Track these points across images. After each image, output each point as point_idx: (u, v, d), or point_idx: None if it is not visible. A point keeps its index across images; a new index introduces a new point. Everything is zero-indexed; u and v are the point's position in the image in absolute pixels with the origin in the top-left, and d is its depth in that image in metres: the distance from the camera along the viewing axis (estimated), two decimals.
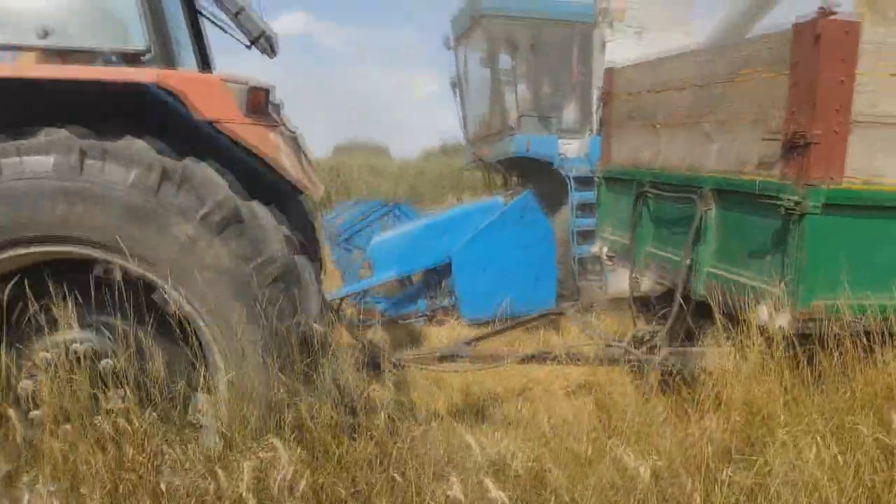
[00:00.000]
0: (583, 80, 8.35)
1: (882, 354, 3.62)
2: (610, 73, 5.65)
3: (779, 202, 3.72)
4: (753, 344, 3.75)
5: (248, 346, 3.16)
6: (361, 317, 6.63)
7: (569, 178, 7.92)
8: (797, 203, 3.63)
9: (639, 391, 4.68)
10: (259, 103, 3.37)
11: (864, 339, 3.66)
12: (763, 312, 3.86)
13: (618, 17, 8.14)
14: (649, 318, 5.30)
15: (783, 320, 3.75)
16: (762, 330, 3.88)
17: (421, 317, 7.11)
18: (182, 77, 3.29)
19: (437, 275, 7.06)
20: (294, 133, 4.02)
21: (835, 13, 3.53)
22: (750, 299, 4.01)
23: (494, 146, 8.64)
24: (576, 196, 7.81)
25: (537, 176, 8.55)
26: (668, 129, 4.85)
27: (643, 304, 5.39)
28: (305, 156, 4.01)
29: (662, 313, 4.83)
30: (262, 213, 3.34)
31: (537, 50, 8.23)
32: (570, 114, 8.60)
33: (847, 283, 3.76)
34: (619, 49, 8.09)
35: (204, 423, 3.21)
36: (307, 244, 4.06)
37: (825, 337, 3.65)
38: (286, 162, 3.38)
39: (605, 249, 5.68)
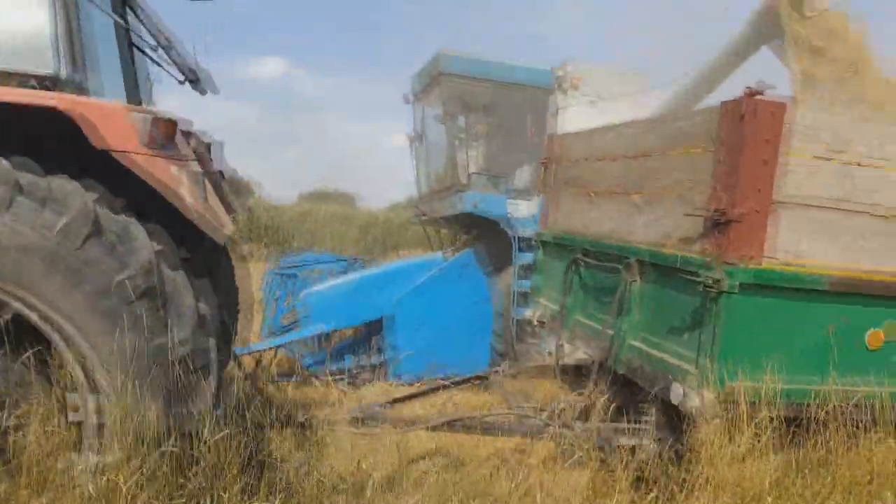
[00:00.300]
0: (536, 144, 8.37)
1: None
2: (552, 138, 5.64)
3: (698, 279, 3.65)
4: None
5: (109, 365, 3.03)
6: (277, 371, 6.40)
7: (515, 238, 7.85)
8: (716, 281, 3.56)
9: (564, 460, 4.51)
10: (165, 135, 3.24)
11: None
12: (679, 391, 3.75)
13: (573, 84, 8.24)
14: (578, 388, 5.17)
15: (698, 401, 3.64)
16: (679, 409, 3.78)
17: (346, 375, 6.84)
18: (81, 103, 3.16)
19: (369, 331, 6.85)
20: (215, 171, 3.89)
21: (761, 93, 3.53)
22: (668, 377, 3.91)
23: (444, 202, 8.58)
24: (520, 257, 7.73)
25: (487, 235, 8.48)
26: (601, 198, 4.80)
27: (578, 373, 5.26)
28: (220, 194, 3.87)
29: (591, 385, 4.70)
30: (135, 230, 3.26)
31: (493, 111, 8.28)
32: (522, 175, 8.60)
33: (766, 365, 3.69)
34: (574, 116, 8.17)
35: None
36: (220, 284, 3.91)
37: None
38: (186, 197, 3.24)
39: (537, 314, 5.57)
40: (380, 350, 6.77)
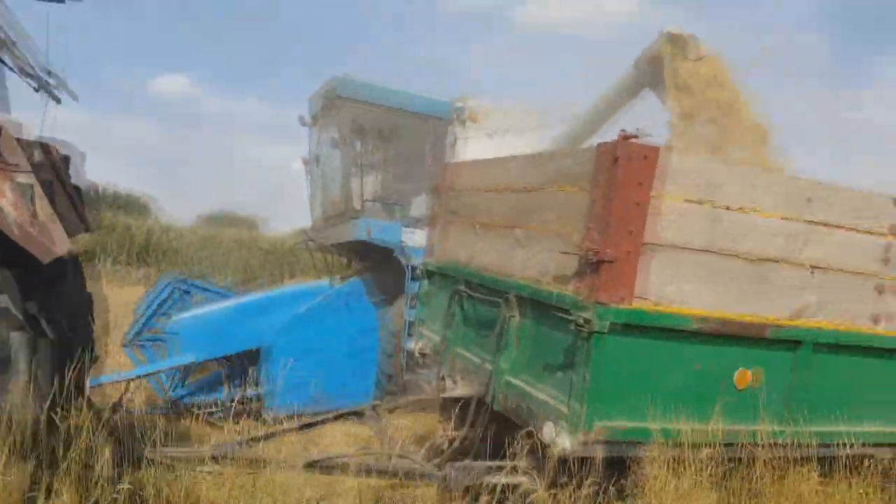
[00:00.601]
0: (433, 173, 8.33)
1: None
2: (443, 167, 5.58)
3: (570, 318, 3.62)
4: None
5: None
6: (148, 403, 6.00)
7: (408, 267, 7.75)
8: (586, 321, 3.54)
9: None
10: None
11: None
12: (549, 430, 3.70)
13: (472, 116, 8.27)
14: (461, 423, 5.06)
15: (566, 441, 3.60)
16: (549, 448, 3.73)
17: (220, 408, 6.42)
18: None
19: (245, 361, 6.48)
20: (70, 184, 3.60)
21: (635, 137, 3.56)
22: (541, 415, 3.86)
23: (338, 228, 8.39)
24: (413, 286, 7.62)
25: (382, 263, 8.33)
26: (486, 230, 4.76)
27: (462, 408, 5.15)
28: (77, 209, 3.57)
29: (468, 422, 4.61)
30: None
31: (389, 138, 8.19)
32: (418, 204, 8.53)
33: (634, 406, 3.69)
34: (472, 148, 8.18)
35: None
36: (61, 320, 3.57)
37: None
38: (8, 211, 2.93)
39: (419, 346, 5.46)
40: (257, 382, 6.40)
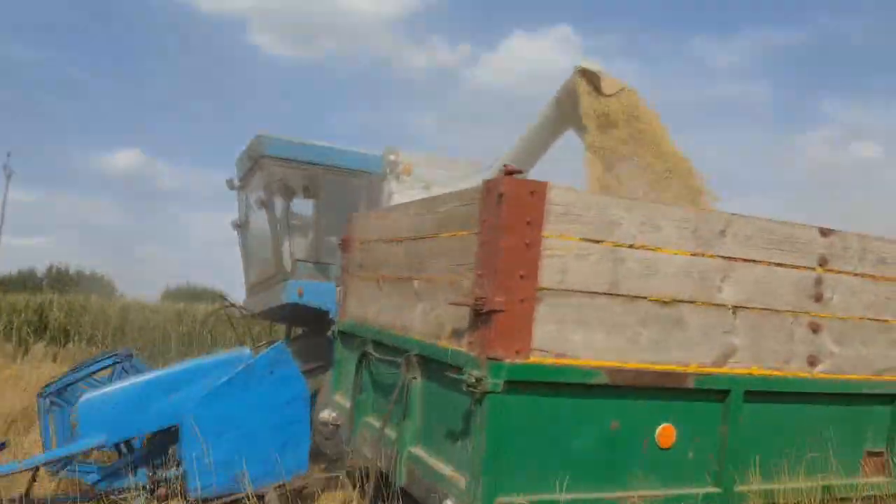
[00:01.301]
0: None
1: None
2: (350, 219, 5.22)
3: (462, 377, 3.20)
4: None
5: None
6: (58, 492, 5.40)
7: None
8: (478, 380, 3.12)
9: None
10: None
11: None
12: None
13: (405, 170, 7.98)
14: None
15: None
16: None
17: (140, 492, 5.83)
18: None
19: (164, 440, 5.93)
20: None
21: (520, 171, 3.22)
22: (441, 491, 3.41)
23: (269, 293, 7.95)
24: None
25: (318, 327, 7.87)
26: (388, 284, 4.37)
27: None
28: None
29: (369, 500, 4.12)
30: None
31: (319, 196, 7.83)
32: None
33: (541, 476, 3.25)
34: (407, 201, 7.86)
35: None
36: None
37: None
38: None
39: (332, 416, 4.99)
40: (178, 462, 5.83)
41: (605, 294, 3.33)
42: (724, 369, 3.65)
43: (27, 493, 5.54)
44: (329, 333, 5.57)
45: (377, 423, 4.32)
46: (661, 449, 3.55)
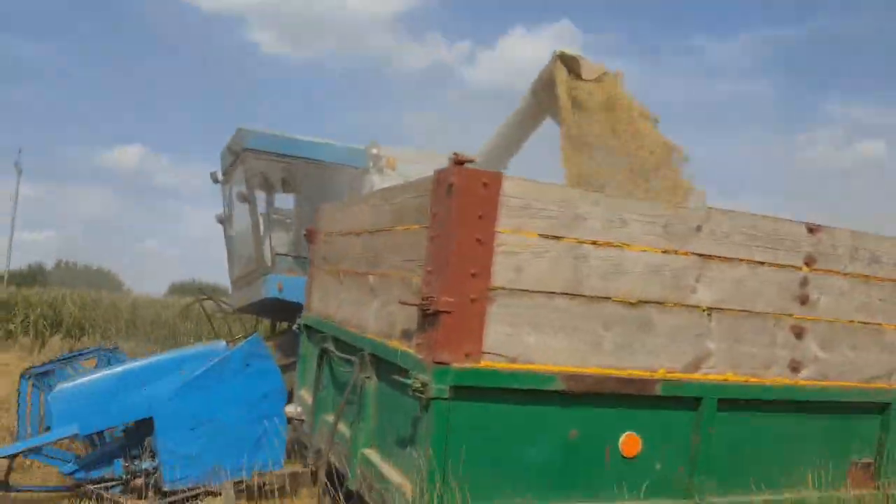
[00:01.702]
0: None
1: None
2: (317, 211, 4.99)
3: (409, 381, 2.98)
4: None
5: None
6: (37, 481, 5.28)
7: None
8: (424, 385, 2.90)
9: None
10: None
11: None
12: None
13: (389, 164, 7.75)
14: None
15: None
16: None
17: (115, 483, 5.73)
18: None
19: (140, 432, 5.80)
20: None
21: (471, 161, 2.97)
22: (391, 497, 3.20)
23: (250, 287, 7.76)
24: None
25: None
26: (348, 278, 4.15)
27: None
28: None
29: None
30: None
31: (301, 190, 7.64)
32: None
33: (494, 488, 3.03)
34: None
35: None
36: None
37: None
38: None
39: (298, 410, 4.79)
40: (153, 453, 5.71)
41: (564, 294, 3.09)
42: (697, 375, 3.40)
43: (5, 481, 5.47)
44: (294, 327, 5.37)
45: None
46: (625, 458, 3.31)
